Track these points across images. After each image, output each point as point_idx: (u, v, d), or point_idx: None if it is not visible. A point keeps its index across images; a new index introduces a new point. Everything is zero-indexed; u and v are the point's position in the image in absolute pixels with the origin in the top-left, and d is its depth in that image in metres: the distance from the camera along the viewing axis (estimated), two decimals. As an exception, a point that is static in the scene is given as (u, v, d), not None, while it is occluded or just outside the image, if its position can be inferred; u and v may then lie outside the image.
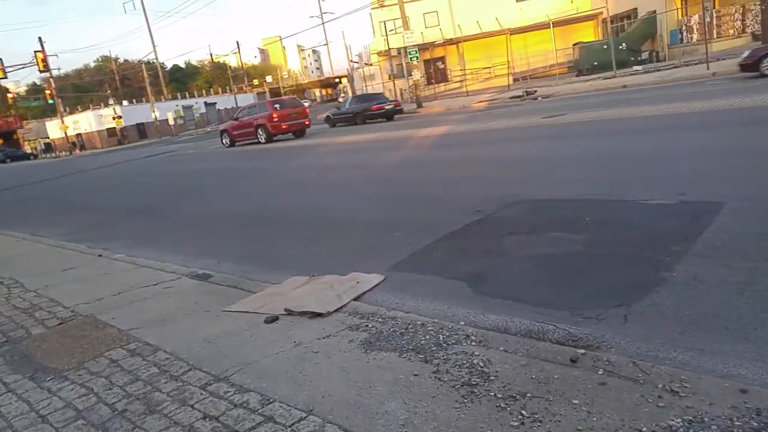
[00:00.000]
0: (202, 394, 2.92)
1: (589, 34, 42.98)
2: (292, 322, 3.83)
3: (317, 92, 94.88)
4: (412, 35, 30.32)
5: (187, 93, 78.07)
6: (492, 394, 2.53)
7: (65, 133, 56.35)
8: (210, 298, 4.66)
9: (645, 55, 32.79)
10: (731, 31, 29.05)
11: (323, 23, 69.69)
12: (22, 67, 46.77)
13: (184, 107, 69.70)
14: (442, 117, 22.84)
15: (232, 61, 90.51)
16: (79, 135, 64.49)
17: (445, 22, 44.53)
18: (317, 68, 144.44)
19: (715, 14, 29.13)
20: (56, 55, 56.90)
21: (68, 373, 3.49)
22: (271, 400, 2.74)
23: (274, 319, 3.89)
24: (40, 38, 45.90)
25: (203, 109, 73.95)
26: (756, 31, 26.41)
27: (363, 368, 2.97)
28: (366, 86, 41.08)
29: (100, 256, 7.04)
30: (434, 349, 3.07)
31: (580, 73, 33.82)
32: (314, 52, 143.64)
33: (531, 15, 41.66)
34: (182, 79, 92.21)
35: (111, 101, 66.34)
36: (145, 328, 4.09)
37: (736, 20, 28.90)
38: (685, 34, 31.47)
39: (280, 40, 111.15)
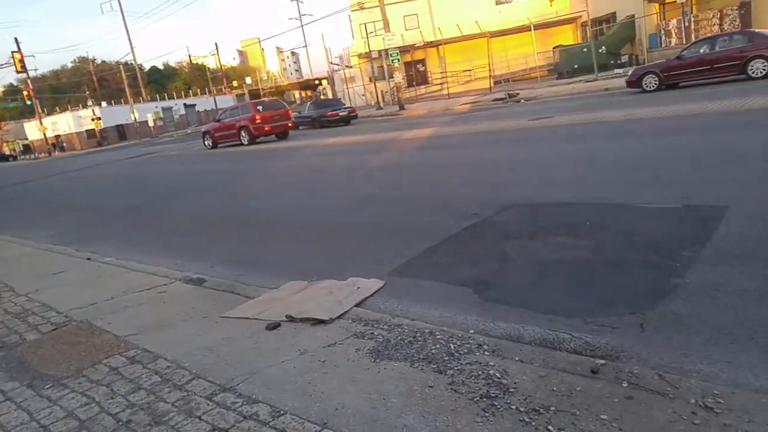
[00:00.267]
0: (208, 404, 2.83)
1: (568, 37, 43.40)
2: (294, 329, 3.76)
3: (297, 94, 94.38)
4: (393, 37, 30.27)
5: (165, 95, 77.09)
6: (513, 407, 2.47)
7: (44, 135, 55.32)
8: (206, 303, 4.56)
9: (625, 59, 33.20)
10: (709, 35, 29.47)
11: (302, 26, 69.47)
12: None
13: (163, 109, 68.82)
14: (426, 119, 22.82)
15: (211, 63, 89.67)
16: (58, 136, 63.36)
17: (425, 24, 44.60)
18: (296, 70, 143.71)
19: (693, 19, 29.56)
20: (33, 56, 56.14)
21: (67, 380, 3.38)
22: (282, 412, 2.66)
23: (275, 326, 3.82)
24: (16, 39, 45.21)
25: (183, 111, 73.07)
26: (733, 35, 26.88)
27: (374, 379, 2.91)
28: (347, 88, 40.93)
29: (88, 259, 6.91)
30: (446, 359, 3.02)
31: (560, 76, 34.12)
32: (293, 54, 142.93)
33: (510, 18, 41.94)
34: (161, 81, 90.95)
35: (89, 102, 65.20)
36: (143, 335, 3.99)
37: (714, 25, 29.34)
38: (663, 38, 31.89)
39: (259, 42, 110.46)
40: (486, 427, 2.35)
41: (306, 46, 71.71)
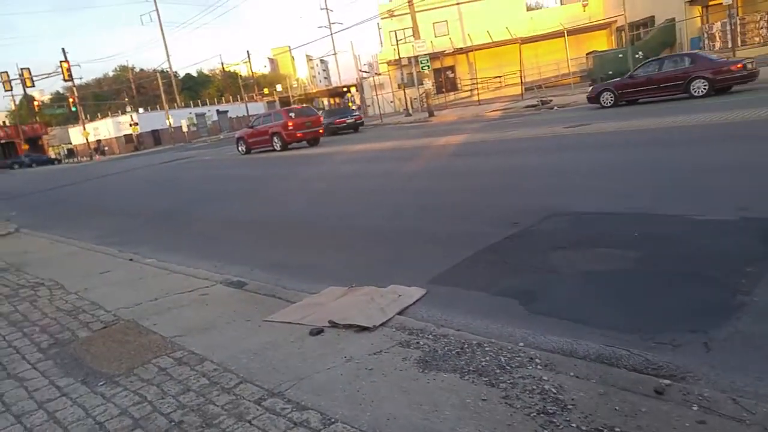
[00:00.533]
0: (258, 409, 2.83)
1: (602, 42, 42.82)
2: (338, 335, 3.74)
3: (325, 101, 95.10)
4: (423, 44, 30.29)
5: (199, 101, 78.64)
6: (574, 425, 2.39)
7: (86, 139, 57.31)
8: (248, 306, 4.59)
9: (663, 64, 32.52)
10: (756, 39, 28.49)
11: (331, 34, 69.91)
12: (47, 77, 47.53)
13: (196, 115, 70.25)
14: (457, 126, 22.74)
15: (243, 71, 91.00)
16: (99, 141, 65.43)
17: (454, 31, 44.55)
18: (325, 77, 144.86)
19: (739, 21, 28.67)
20: (78, 65, 57.73)
21: (119, 378, 3.43)
22: (333, 420, 2.64)
23: (319, 332, 3.81)
24: (63, 49, 46.81)
25: (215, 117, 74.50)
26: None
27: (424, 389, 2.86)
28: (376, 95, 41.04)
29: (131, 260, 7.05)
30: (498, 371, 2.95)
31: (593, 83, 33.61)
32: (322, 61, 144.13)
33: (541, 24, 41.59)
34: (194, 88, 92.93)
35: (128, 109, 67.10)
36: (188, 336, 4.03)
37: (761, 28, 28.46)
38: (706, 41, 31.06)
39: (290, 50, 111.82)
40: (546, 444, 2.28)
41: (335, 54, 72.08)
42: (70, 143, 73.33)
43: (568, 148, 11.88)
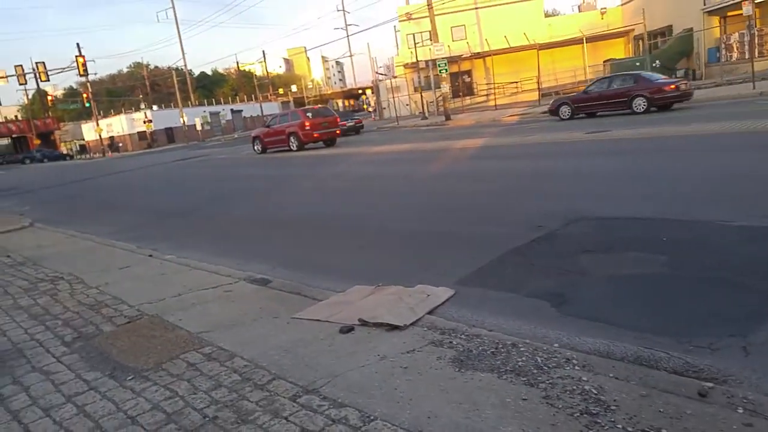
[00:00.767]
0: (293, 406, 2.79)
1: (619, 51, 42.58)
2: (368, 333, 3.70)
3: (340, 103, 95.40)
4: (441, 47, 30.27)
5: (213, 100, 79.02)
6: (619, 426, 2.35)
7: (99, 136, 57.52)
8: (274, 303, 4.56)
9: (680, 73, 32.33)
10: (775, 50, 28.41)
11: (348, 36, 70.17)
12: (61, 71, 47.90)
13: (211, 113, 70.57)
14: (474, 129, 22.69)
15: (258, 70, 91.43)
16: (112, 137, 65.71)
17: (472, 35, 44.50)
18: (340, 79, 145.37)
19: (757, 33, 28.48)
20: (93, 61, 58.29)
21: (148, 373, 3.40)
22: (372, 417, 2.60)
23: (349, 330, 3.77)
24: (78, 44, 46.97)
25: (229, 116, 74.79)
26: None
27: (462, 388, 2.82)
28: (394, 97, 41.06)
29: (150, 256, 7.03)
30: (535, 372, 2.91)
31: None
32: (338, 63, 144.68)
33: (559, 31, 41.50)
34: (209, 86, 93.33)
35: (143, 105, 67.48)
36: (215, 332, 4.00)
37: (780, 39, 28.27)
38: (723, 52, 30.87)
39: (305, 50, 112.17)
40: (593, 445, 2.24)
41: (351, 55, 72.22)
42: (83, 139, 73.64)
43: (588, 153, 11.78)
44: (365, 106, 64.27)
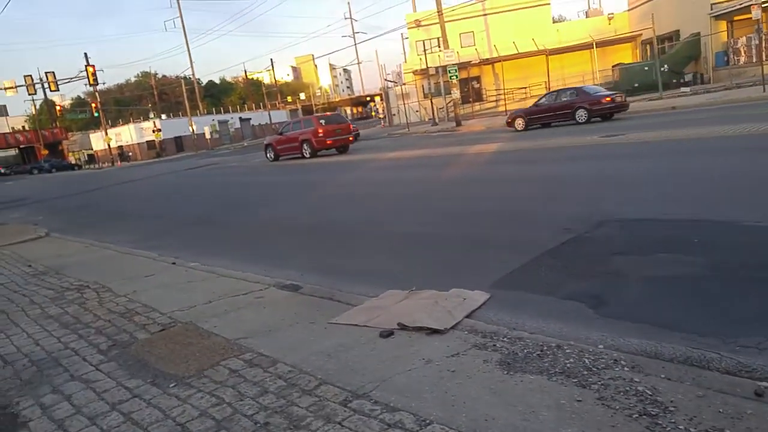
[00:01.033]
0: (345, 411, 2.78)
1: (626, 56, 42.52)
2: (409, 337, 3.69)
3: (348, 110, 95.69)
4: (452, 54, 30.35)
5: (221, 108, 79.39)
6: (681, 427, 2.33)
7: (108, 145, 57.83)
8: (308, 309, 4.55)
9: (688, 77, 32.26)
10: (782, 54, 28.29)
11: (355, 44, 70.56)
12: (68, 81, 48.20)
13: (219, 122, 70.88)
14: (486, 135, 22.70)
15: (266, 78, 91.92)
16: (121, 147, 66.05)
17: (480, 42, 44.57)
18: (348, 87, 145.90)
19: (764, 37, 28.47)
20: (102, 70, 58.54)
21: (190, 380, 3.39)
22: (428, 421, 2.58)
23: (389, 334, 3.76)
24: (86, 54, 47.38)
25: (238, 124, 75.07)
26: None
27: (514, 390, 2.80)
28: (404, 104, 41.14)
29: (173, 263, 7.03)
30: (585, 373, 2.90)
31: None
32: (345, 71, 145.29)
33: (567, 36, 41.51)
34: (217, 95, 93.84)
35: (151, 115, 67.81)
36: (253, 338, 3.99)
37: (789, 43, 28.16)
38: (731, 56, 30.81)
39: (313, 58, 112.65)
40: (659, 447, 2.22)
41: (359, 63, 72.61)
42: (91, 149, 74.04)
43: (606, 156, 11.75)
44: (373, 113, 64.40)
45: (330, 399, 2.92)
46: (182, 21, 60.97)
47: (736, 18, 30.27)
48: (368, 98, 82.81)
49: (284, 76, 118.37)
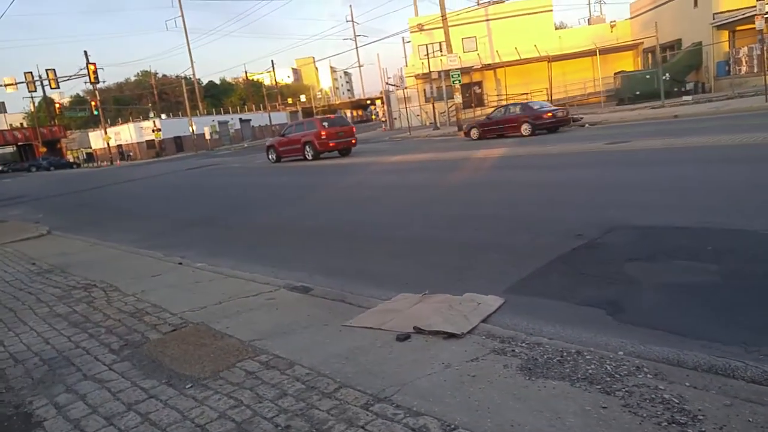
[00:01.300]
0: (367, 414, 2.75)
1: (627, 63, 42.66)
2: (426, 341, 3.67)
3: (348, 113, 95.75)
4: (455, 58, 30.39)
5: (221, 109, 79.33)
6: (713, 435, 2.31)
7: (107, 144, 57.66)
8: (320, 311, 4.53)
9: (690, 86, 32.34)
10: (783, 64, 28.41)
11: (356, 47, 70.68)
12: (68, 79, 48.15)
13: (219, 123, 70.81)
14: (489, 140, 22.71)
15: (266, 80, 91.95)
16: (120, 146, 65.89)
17: (482, 47, 44.64)
18: (348, 89, 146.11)
19: (765, 47, 28.59)
20: (102, 68, 58.28)
21: (206, 381, 3.37)
22: (453, 426, 2.56)
23: (406, 337, 3.74)
24: (85, 52, 47.15)
25: (238, 126, 75.04)
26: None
27: (537, 396, 2.78)
28: (405, 108, 41.14)
29: (180, 264, 7.00)
30: (608, 380, 2.87)
31: (620, 102, 33.46)
32: (346, 73, 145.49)
33: (569, 43, 41.63)
34: (217, 96, 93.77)
35: (151, 114, 67.64)
36: (268, 340, 3.97)
37: (788, 54, 28.30)
38: (732, 66, 30.91)
39: (314, 61, 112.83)
40: (693, 455, 2.20)
41: (360, 66, 72.66)
42: (90, 147, 73.87)
43: (612, 163, 11.76)
44: (373, 117, 64.38)
45: (351, 402, 2.90)
46: (183, 20, 60.80)
47: (738, 28, 30.39)
48: (368, 101, 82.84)
49: (285, 77, 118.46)
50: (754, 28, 21.97)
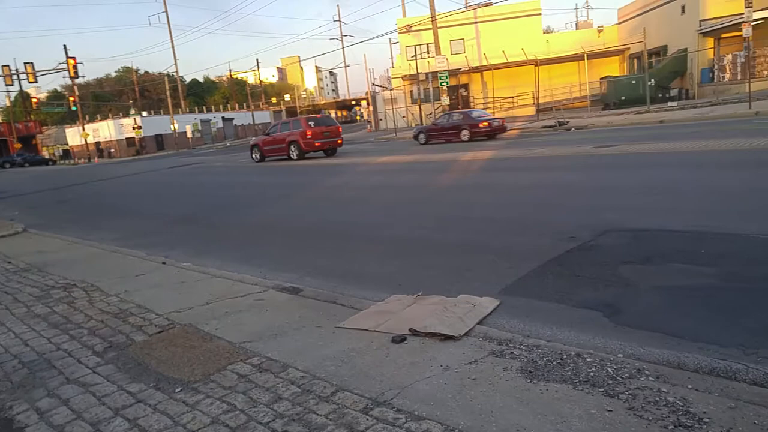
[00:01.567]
0: (368, 419, 2.67)
1: (614, 68, 43.05)
2: (422, 343, 3.59)
3: (332, 113, 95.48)
4: (443, 60, 30.42)
5: (204, 107, 78.52)
6: (720, 438, 2.27)
7: (85, 141, 56.55)
8: (312, 312, 4.43)
9: (674, 92, 32.72)
10: (765, 72, 28.91)
11: (343, 47, 70.52)
12: (46, 73, 47.23)
13: (201, 121, 70.01)
14: (477, 142, 22.74)
15: (250, 78, 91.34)
16: (98, 143, 64.74)
17: (470, 49, 44.73)
18: (333, 90, 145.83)
19: (751, 55, 28.96)
20: (82, 63, 57.07)
21: (197, 385, 3.25)
22: (457, 430, 2.49)
23: (402, 339, 3.66)
24: (65, 46, 46.44)
25: (220, 124, 74.22)
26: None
27: (540, 399, 2.72)
28: (391, 109, 41.13)
29: (163, 263, 6.84)
30: (610, 383, 2.83)
31: (606, 107, 33.76)
32: (331, 73, 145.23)
33: (556, 47, 41.88)
34: (200, 94, 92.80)
35: (132, 111, 66.61)
36: (259, 342, 3.86)
37: (772, 61, 28.81)
38: (716, 73, 31.32)
39: (299, 60, 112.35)
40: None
41: (345, 66, 72.48)
42: (66, 144, 72.35)
43: (602, 166, 11.82)
44: (358, 117, 64.20)
45: (349, 406, 2.81)
46: (167, 16, 60.66)
47: (723, 35, 30.80)
48: (353, 102, 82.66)
49: (270, 76, 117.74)
50: (740, 35, 22.26)
